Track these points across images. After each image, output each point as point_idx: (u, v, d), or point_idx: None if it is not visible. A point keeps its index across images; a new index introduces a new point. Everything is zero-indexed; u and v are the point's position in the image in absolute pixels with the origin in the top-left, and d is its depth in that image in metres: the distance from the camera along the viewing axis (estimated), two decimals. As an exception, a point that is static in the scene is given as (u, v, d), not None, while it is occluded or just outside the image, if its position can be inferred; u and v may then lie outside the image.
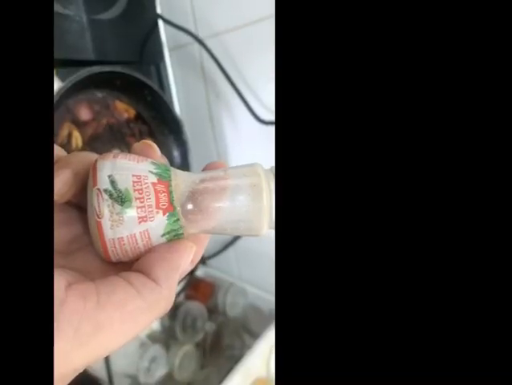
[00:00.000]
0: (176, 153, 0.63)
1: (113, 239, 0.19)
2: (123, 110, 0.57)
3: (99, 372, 0.58)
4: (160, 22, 0.65)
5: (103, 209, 0.18)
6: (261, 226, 0.21)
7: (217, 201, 0.20)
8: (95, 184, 0.19)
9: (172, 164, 0.64)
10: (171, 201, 0.20)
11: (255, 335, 0.68)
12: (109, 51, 0.57)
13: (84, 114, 0.52)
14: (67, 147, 0.51)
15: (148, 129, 0.61)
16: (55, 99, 0.46)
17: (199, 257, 0.22)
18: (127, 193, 0.19)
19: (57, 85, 0.47)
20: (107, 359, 0.57)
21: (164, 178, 0.20)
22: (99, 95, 0.54)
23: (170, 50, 0.68)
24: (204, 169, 0.22)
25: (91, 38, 0.54)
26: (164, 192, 0.19)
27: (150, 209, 0.19)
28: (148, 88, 0.57)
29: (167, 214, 0.19)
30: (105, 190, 0.19)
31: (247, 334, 0.73)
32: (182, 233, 0.20)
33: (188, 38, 0.63)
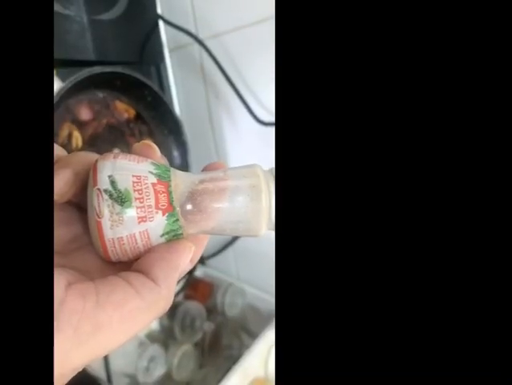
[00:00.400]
0: (175, 153, 0.63)
1: (113, 239, 0.19)
2: (124, 110, 0.57)
3: (98, 371, 0.58)
4: (161, 23, 0.65)
5: (103, 209, 0.19)
6: (260, 227, 0.21)
7: (217, 202, 0.20)
8: (95, 184, 0.19)
9: (171, 164, 0.64)
10: (170, 202, 0.20)
11: (253, 335, 0.68)
12: (110, 52, 0.58)
13: (84, 114, 0.52)
14: (67, 147, 0.51)
15: (148, 129, 0.61)
16: (56, 99, 0.46)
17: (198, 257, 0.22)
18: (127, 193, 0.19)
19: (57, 85, 0.47)
20: (105, 359, 0.58)
21: (163, 178, 0.20)
22: (100, 95, 0.54)
23: (170, 51, 0.68)
24: (203, 170, 0.23)
25: (91, 39, 0.54)
26: (163, 192, 0.20)
27: (150, 210, 0.19)
28: (148, 88, 0.57)
29: (166, 214, 0.20)
30: (105, 190, 0.19)
31: (245, 334, 0.73)
32: (181, 234, 0.21)
33: (189, 39, 0.63)
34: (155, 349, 0.61)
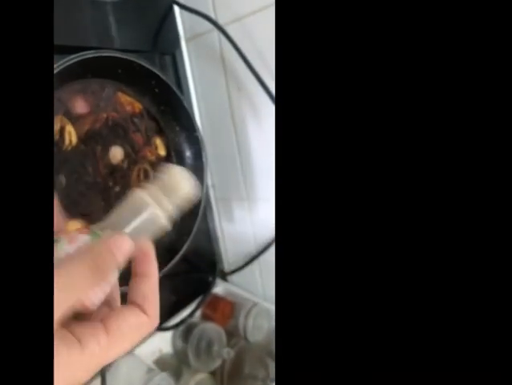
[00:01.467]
0: (188, 153, 0.56)
1: None
2: (127, 103, 0.51)
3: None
4: (176, 8, 0.60)
5: None
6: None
7: None
8: None
9: (183, 165, 0.57)
10: None
11: (281, 364, 0.59)
12: (119, 39, 0.52)
13: (80, 106, 0.46)
14: (59, 143, 0.45)
15: (156, 126, 0.54)
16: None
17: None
18: None
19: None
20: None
21: None
22: (98, 85, 0.48)
23: (187, 39, 0.63)
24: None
25: (94, 23, 0.49)
26: None
27: None
28: (155, 78, 0.50)
29: None
30: None
31: (272, 361, 0.64)
32: None
33: (207, 25, 0.57)
34: (163, 378, 0.54)
